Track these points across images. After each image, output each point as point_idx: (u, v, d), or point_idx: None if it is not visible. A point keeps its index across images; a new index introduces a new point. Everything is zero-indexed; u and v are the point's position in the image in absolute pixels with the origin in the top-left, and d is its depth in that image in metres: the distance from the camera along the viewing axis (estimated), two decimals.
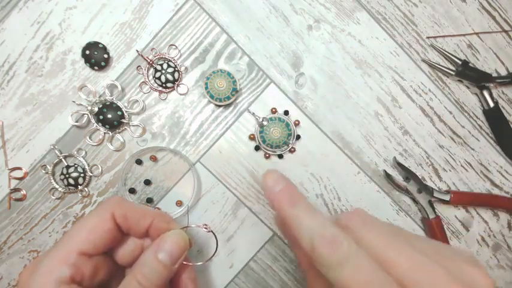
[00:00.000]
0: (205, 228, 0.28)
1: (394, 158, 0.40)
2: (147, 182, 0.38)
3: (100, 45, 0.36)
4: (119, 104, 0.37)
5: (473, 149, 0.41)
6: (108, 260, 0.26)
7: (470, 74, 0.39)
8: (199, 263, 0.29)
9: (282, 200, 0.22)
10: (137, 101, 0.38)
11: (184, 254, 0.26)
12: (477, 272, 0.18)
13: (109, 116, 0.36)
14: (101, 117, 0.36)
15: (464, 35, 0.40)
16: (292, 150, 0.39)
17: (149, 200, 0.38)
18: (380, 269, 0.17)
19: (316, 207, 0.40)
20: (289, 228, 0.21)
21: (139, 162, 0.38)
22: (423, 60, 0.40)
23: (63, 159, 0.37)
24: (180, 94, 0.38)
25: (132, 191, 0.38)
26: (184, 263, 0.27)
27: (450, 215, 0.41)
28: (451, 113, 0.41)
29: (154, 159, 0.38)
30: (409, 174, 0.39)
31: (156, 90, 0.38)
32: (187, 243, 0.26)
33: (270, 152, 0.39)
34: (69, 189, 0.37)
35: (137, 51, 0.37)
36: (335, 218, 0.23)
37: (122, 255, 0.27)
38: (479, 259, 0.42)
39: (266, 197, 0.23)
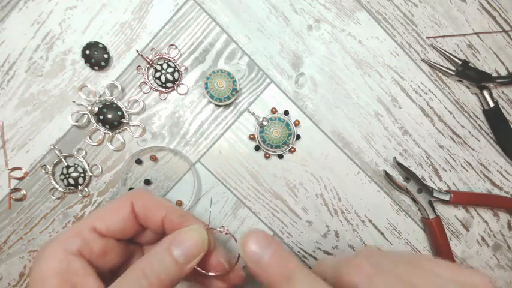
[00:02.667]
0: (223, 231, 0.25)
1: (394, 158, 0.40)
2: (147, 182, 0.38)
3: (100, 45, 0.36)
4: (119, 104, 0.37)
5: (473, 149, 0.41)
6: (125, 246, 0.26)
7: (470, 74, 0.39)
8: (213, 274, 0.25)
9: (274, 273, 0.19)
10: (137, 101, 0.38)
11: (200, 254, 0.23)
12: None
13: (109, 116, 0.36)
14: (101, 117, 0.36)
15: (464, 35, 0.40)
16: (292, 150, 0.39)
17: None
18: None
19: (316, 207, 0.40)
20: None
21: (139, 162, 0.38)
22: (423, 60, 0.40)
23: (63, 159, 0.37)
24: (180, 94, 0.38)
25: None
26: (199, 269, 0.24)
27: (450, 215, 0.41)
28: (451, 113, 0.41)
29: (154, 159, 0.38)
30: (409, 174, 0.39)
31: (156, 90, 0.38)
32: (205, 243, 0.23)
33: (270, 152, 0.39)
34: (69, 189, 0.37)
35: (137, 51, 0.37)
36: (337, 271, 0.20)
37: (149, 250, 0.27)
38: (479, 259, 0.42)
39: (250, 266, 0.20)
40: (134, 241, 0.28)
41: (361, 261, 0.20)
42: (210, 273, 0.25)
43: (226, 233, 0.25)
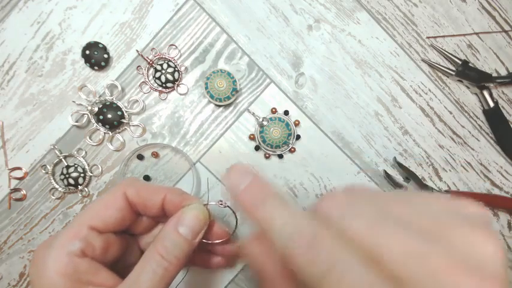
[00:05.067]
0: (221, 204, 0.28)
1: (394, 158, 0.40)
2: (147, 178, 0.38)
3: (100, 45, 0.36)
4: (119, 104, 0.37)
5: (473, 149, 0.41)
6: (122, 238, 0.26)
7: (470, 74, 0.39)
8: (218, 241, 0.28)
9: (248, 200, 0.19)
10: (137, 101, 0.38)
11: (204, 228, 0.25)
12: (481, 238, 0.15)
13: (109, 116, 0.36)
14: (101, 117, 0.36)
15: (464, 35, 0.40)
16: (292, 150, 0.39)
17: None
18: (368, 270, 0.14)
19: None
20: (264, 234, 0.18)
21: (141, 157, 0.38)
22: (423, 60, 0.40)
23: (63, 159, 0.37)
24: (180, 94, 0.38)
25: None
26: (204, 241, 0.26)
27: None
28: (451, 113, 0.41)
29: (156, 155, 0.38)
30: (409, 174, 0.39)
31: (156, 90, 0.38)
32: (207, 218, 0.26)
33: (270, 152, 0.39)
34: (69, 189, 0.37)
35: (137, 51, 0.37)
36: (313, 208, 0.19)
37: (144, 240, 0.28)
38: None
39: (232, 199, 0.21)
40: (128, 233, 0.28)
41: (336, 193, 0.19)
42: (215, 241, 0.28)
43: (225, 206, 0.28)
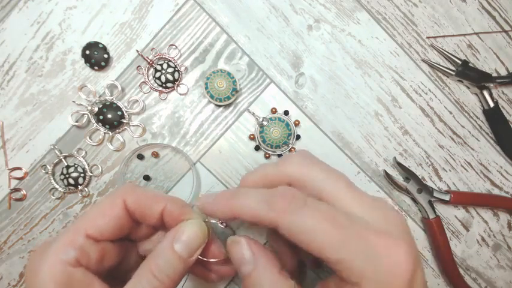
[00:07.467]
0: (222, 223, 0.27)
1: (394, 158, 0.40)
2: (147, 178, 0.38)
3: (100, 45, 0.36)
4: (119, 104, 0.37)
5: (473, 149, 0.41)
6: (120, 245, 0.26)
7: (470, 74, 0.39)
8: (213, 260, 0.27)
9: (221, 201, 0.24)
10: (137, 101, 0.38)
11: (202, 246, 0.24)
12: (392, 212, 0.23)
13: (109, 116, 0.36)
14: (101, 117, 0.36)
15: (464, 35, 0.40)
16: (292, 150, 0.39)
17: None
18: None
19: None
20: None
21: (141, 157, 0.38)
22: (423, 60, 0.40)
23: (63, 159, 0.37)
24: (180, 94, 0.38)
25: None
26: (200, 257, 0.25)
27: (450, 215, 0.41)
28: (451, 113, 0.41)
29: (156, 155, 0.38)
30: (409, 174, 0.39)
31: (156, 90, 0.38)
32: (205, 235, 0.25)
33: (270, 152, 0.39)
34: (69, 189, 0.37)
35: (137, 51, 0.37)
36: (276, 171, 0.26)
37: (143, 246, 0.28)
38: (479, 259, 0.42)
39: (209, 214, 0.25)
40: (127, 238, 0.27)
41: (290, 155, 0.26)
42: (211, 260, 0.27)
43: (226, 226, 0.27)
